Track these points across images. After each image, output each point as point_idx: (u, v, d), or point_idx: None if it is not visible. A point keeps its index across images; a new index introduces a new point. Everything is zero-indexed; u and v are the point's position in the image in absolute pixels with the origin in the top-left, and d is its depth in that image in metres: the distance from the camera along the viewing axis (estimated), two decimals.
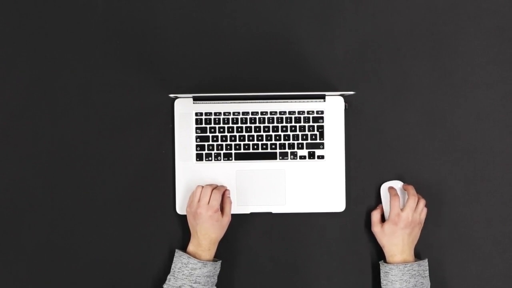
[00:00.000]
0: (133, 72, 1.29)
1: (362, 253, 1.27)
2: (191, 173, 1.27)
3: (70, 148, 1.28)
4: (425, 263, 1.21)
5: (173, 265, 1.20)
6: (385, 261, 1.22)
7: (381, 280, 1.21)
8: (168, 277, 1.19)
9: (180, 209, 1.27)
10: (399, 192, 1.24)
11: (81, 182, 1.28)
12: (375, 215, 1.24)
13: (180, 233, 1.27)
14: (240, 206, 1.27)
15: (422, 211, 1.22)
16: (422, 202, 1.22)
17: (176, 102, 1.27)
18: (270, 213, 1.27)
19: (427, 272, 1.21)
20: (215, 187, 1.22)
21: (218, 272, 1.21)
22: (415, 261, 1.20)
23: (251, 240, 1.28)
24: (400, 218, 1.19)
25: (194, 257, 1.18)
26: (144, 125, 1.28)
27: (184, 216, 1.25)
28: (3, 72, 1.28)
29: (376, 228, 1.23)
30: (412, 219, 1.20)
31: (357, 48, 1.29)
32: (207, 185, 1.22)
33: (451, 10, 1.29)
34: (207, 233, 1.19)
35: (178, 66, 1.29)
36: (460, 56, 1.29)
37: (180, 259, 1.19)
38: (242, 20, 1.29)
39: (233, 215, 1.26)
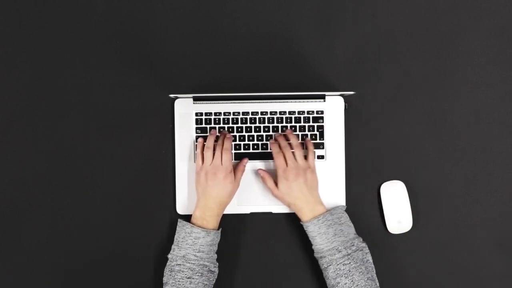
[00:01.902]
0: (133, 72, 1.29)
1: None
2: (191, 173, 1.27)
3: (70, 148, 1.28)
4: (337, 210, 1.20)
5: (176, 235, 1.20)
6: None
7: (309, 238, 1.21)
8: (172, 247, 1.19)
9: (180, 209, 1.27)
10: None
11: (81, 182, 1.28)
12: (269, 182, 1.23)
13: None
14: (240, 206, 1.27)
15: (305, 156, 1.22)
16: (298, 149, 1.21)
17: (176, 102, 1.27)
18: (270, 213, 1.27)
19: (344, 218, 1.20)
20: (221, 146, 1.21)
21: (219, 240, 1.21)
22: (327, 210, 1.20)
23: (251, 240, 1.28)
24: (287, 172, 1.19)
25: (202, 224, 1.18)
26: (144, 125, 1.28)
27: (185, 216, 1.26)
28: (3, 72, 1.28)
29: (275, 192, 1.22)
30: (298, 167, 1.19)
31: (357, 48, 1.29)
32: (217, 144, 1.21)
33: (451, 10, 1.29)
34: (218, 196, 1.19)
35: (178, 66, 1.29)
36: (460, 56, 1.29)
37: (183, 229, 1.18)
38: (242, 20, 1.29)
39: (233, 215, 1.26)
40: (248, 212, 1.27)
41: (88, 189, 1.28)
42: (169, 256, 1.19)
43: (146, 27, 1.29)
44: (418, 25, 1.29)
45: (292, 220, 1.28)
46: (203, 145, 1.23)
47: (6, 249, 1.28)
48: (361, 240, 1.19)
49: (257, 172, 1.25)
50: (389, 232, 1.27)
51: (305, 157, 1.23)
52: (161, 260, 1.25)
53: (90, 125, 1.28)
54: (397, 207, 1.27)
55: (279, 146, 1.23)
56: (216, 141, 1.24)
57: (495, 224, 1.28)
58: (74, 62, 1.29)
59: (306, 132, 1.27)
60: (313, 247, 1.20)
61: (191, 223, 1.19)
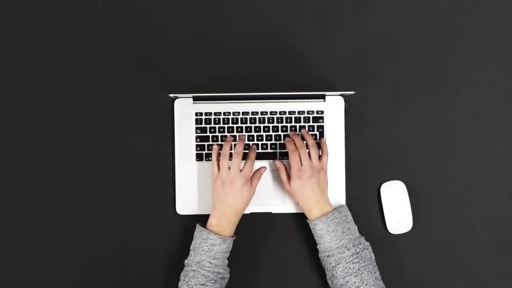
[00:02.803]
0: (133, 72, 1.29)
1: None
2: (191, 173, 1.27)
3: (70, 148, 1.28)
4: (344, 208, 1.20)
5: (194, 240, 1.19)
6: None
7: (315, 238, 1.20)
8: (190, 252, 1.19)
9: (180, 209, 1.27)
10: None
11: (81, 182, 1.28)
12: (283, 175, 1.23)
13: (180, 233, 1.27)
14: None
15: (320, 157, 1.22)
16: (313, 149, 1.21)
17: (176, 102, 1.27)
18: (270, 213, 1.27)
19: (350, 217, 1.20)
20: (239, 153, 1.20)
21: (231, 247, 1.20)
22: (334, 209, 1.20)
23: (251, 240, 1.28)
24: (301, 171, 1.19)
25: (218, 231, 1.18)
26: (144, 125, 1.28)
27: (185, 216, 1.26)
28: (3, 72, 1.28)
29: (286, 186, 1.22)
30: (312, 167, 1.19)
31: (357, 48, 1.29)
32: (235, 152, 1.20)
33: (451, 10, 1.30)
34: (234, 204, 1.18)
35: (178, 66, 1.29)
36: (460, 56, 1.29)
37: (200, 234, 1.18)
38: (242, 20, 1.29)
39: None
40: (248, 212, 1.27)
41: (88, 189, 1.28)
42: (186, 261, 1.18)
43: (146, 27, 1.29)
44: (418, 25, 1.29)
45: (292, 220, 1.28)
46: (218, 152, 1.23)
47: (6, 249, 1.28)
48: (365, 239, 1.19)
49: (273, 162, 1.25)
50: (389, 232, 1.27)
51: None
52: (160, 259, 1.25)
53: (90, 125, 1.28)
54: (397, 207, 1.27)
55: (295, 145, 1.22)
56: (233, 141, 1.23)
57: (495, 224, 1.28)
58: (74, 62, 1.29)
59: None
60: (318, 246, 1.20)
61: (207, 229, 1.19)
